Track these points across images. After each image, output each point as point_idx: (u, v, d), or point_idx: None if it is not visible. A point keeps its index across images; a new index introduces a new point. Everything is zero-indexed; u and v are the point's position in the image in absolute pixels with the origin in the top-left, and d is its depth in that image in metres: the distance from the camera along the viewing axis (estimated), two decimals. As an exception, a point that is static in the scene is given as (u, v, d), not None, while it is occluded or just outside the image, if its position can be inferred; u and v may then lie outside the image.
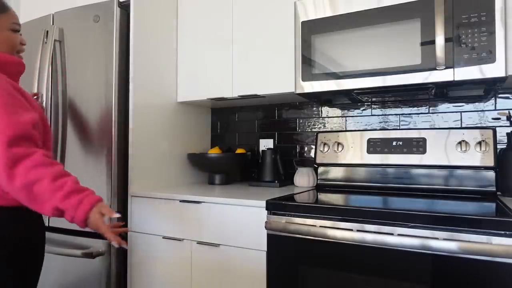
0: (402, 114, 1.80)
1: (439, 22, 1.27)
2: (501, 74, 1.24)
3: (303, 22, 1.58)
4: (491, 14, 1.26)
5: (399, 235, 1.13)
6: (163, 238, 1.63)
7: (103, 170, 1.67)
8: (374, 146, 1.71)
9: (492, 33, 1.25)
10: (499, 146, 1.60)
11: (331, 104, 1.96)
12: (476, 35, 1.27)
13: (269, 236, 1.36)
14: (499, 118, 1.61)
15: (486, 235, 1.04)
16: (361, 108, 1.89)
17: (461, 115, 1.68)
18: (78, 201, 1.03)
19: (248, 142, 2.21)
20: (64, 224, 1.68)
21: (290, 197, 1.47)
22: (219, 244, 1.50)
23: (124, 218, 1.72)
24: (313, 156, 2.01)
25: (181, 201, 1.60)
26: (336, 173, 1.81)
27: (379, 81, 1.43)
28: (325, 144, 1.83)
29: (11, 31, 1.16)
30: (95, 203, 1.06)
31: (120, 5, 1.71)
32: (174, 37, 2.00)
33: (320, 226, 1.25)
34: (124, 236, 1.71)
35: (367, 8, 1.45)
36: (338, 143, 1.80)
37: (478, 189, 1.51)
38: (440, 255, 1.08)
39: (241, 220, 1.46)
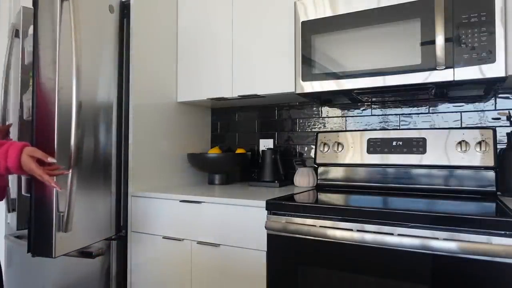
0: (402, 114, 1.80)
1: (439, 22, 1.27)
2: (501, 74, 1.24)
3: (303, 22, 1.58)
4: (491, 14, 1.26)
5: (399, 235, 1.13)
6: (163, 238, 1.63)
7: (102, 170, 1.67)
8: (374, 146, 1.71)
9: (492, 33, 1.25)
10: (499, 146, 1.60)
11: (331, 104, 1.96)
12: (476, 35, 1.27)
13: (269, 236, 1.36)
14: (499, 118, 1.61)
15: (486, 235, 1.04)
16: (361, 108, 1.89)
17: (461, 115, 1.68)
18: (4, 150, 1.09)
19: (248, 142, 2.21)
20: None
21: (290, 197, 1.47)
22: (219, 244, 1.50)
23: (124, 218, 1.72)
24: (313, 156, 2.01)
25: (181, 201, 1.60)
26: (336, 173, 1.81)
27: (379, 81, 1.43)
28: (325, 144, 1.83)
29: None
30: (21, 147, 1.11)
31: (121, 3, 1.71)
32: (174, 36, 2.00)
33: (320, 226, 1.25)
34: (124, 236, 1.71)
35: (367, 8, 1.45)
36: (338, 143, 1.80)
37: (478, 189, 1.51)
38: (440, 255, 1.08)
39: (241, 220, 1.46)
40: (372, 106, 1.86)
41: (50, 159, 1.15)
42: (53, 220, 1.36)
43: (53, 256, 1.35)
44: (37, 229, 1.38)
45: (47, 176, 1.12)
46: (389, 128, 1.82)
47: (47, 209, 1.37)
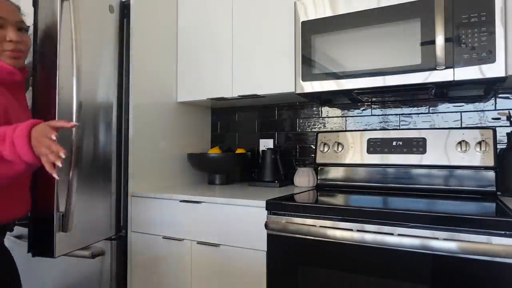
0: (402, 114, 1.80)
1: (439, 22, 1.27)
2: (501, 74, 1.24)
3: (303, 22, 1.58)
4: (491, 14, 1.26)
5: (399, 235, 1.13)
6: (163, 238, 1.63)
7: (102, 170, 1.67)
8: (374, 146, 1.71)
9: (492, 33, 1.25)
10: (499, 146, 1.60)
11: (331, 104, 1.96)
12: (476, 35, 1.27)
13: (269, 236, 1.36)
14: (499, 118, 1.61)
15: (486, 235, 1.04)
16: (361, 108, 1.89)
17: (461, 115, 1.68)
18: (11, 129, 0.92)
19: (248, 142, 2.21)
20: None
21: (290, 197, 1.47)
22: (219, 244, 1.50)
23: (124, 218, 1.72)
24: (313, 156, 2.01)
25: (181, 201, 1.60)
26: (336, 173, 1.81)
27: (379, 81, 1.43)
28: (325, 144, 1.83)
29: None
30: (32, 124, 0.93)
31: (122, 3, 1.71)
32: (174, 36, 2.00)
33: (320, 226, 1.25)
34: (124, 236, 1.71)
35: (367, 8, 1.45)
36: (338, 143, 1.80)
37: (478, 189, 1.51)
38: (440, 255, 1.08)
39: (241, 220, 1.46)
40: (372, 106, 1.86)
41: (72, 123, 0.97)
42: (54, 220, 1.36)
43: (54, 256, 1.35)
44: (37, 229, 1.37)
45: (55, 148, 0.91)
46: (389, 128, 1.82)
47: (48, 209, 1.36)
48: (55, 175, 0.92)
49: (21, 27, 1.12)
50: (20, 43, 1.09)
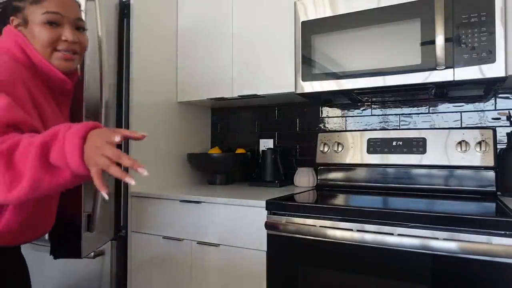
0: (402, 114, 1.80)
1: (439, 22, 1.27)
2: (501, 74, 1.24)
3: (303, 22, 1.58)
4: (491, 14, 1.26)
5: (399, 235, 1.13)
6: (163, 238, 1.63)
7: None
8: (374, 146, 1.71)
9: (492, 33, 1.25)
10: (499, 146, 1.60)
11: (331, 104, 1.96)
12: (476, 35, 1.27)
13: (269, 236, 1.36)
14: (499, 118, 1.61)
15: (486, 235, 1.04)
16: (361, 108, 1.89)
17: (461, 115, 1.68)
18: (65, 127, 0.74)
19: (248, 142, 2.21)
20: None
21: (290, 197, 1.47)
22: (219, 244, 1.50)
23: (124, 218, 1.72)
24: (313, 156, 2.01)
25: (181, 201, 1.60)
26: (336, 173, 1.81)
27: (379, 81, 1.43)
28: (325, 144, 1.83)
29: (42, 25, 0.93)
30: (91, 126, 0.74)
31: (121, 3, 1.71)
32: (174, 36, 2.00)
33: (320, 226, 1.25)
34: (124, 236, 1.71)
35: (367, 8, 1.45)
36: (338, 143, 1.80)
37: (478, 189, 1.51)
38: (440, 255, 1.08)
39: (241, 220, 1.46)
40: (372, 106, 1.86)
41: (143, 134, 0.77)
42: (82, 221, 1.33)
43: (81, 257, 1.33)
44: (65, 230, 1.33)
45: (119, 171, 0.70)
46: (389, 128, 1.82)
47: (74, 209, 1.33)
48: (105, 195, 0.71)
49: (79, 26, 1.00)
50: (75, 44, 0.98)
